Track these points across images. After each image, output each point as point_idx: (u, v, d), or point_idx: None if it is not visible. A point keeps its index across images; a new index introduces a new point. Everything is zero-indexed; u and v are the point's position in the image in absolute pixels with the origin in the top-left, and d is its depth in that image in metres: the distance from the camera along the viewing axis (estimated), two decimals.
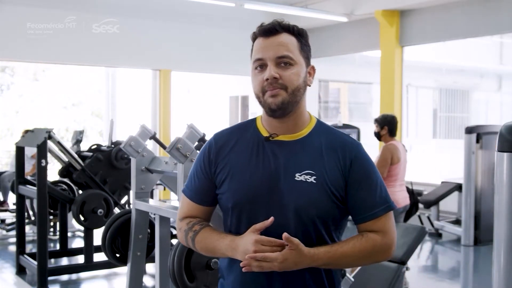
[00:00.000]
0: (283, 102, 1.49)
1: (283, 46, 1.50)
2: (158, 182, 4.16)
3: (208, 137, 3.75)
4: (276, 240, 1.41)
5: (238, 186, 1.52)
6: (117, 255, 4.07)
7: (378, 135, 5.00)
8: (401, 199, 4.83)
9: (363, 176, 1.53)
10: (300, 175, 1.49)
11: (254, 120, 1.61)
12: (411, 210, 5.53)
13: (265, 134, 1.55)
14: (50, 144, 5.04)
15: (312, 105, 11.85)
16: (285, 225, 1.47)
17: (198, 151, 3.18)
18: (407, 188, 5.22)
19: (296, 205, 1.48)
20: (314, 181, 1.49)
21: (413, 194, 5.57)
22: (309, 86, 1.56)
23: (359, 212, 1.53)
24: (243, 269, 1.42)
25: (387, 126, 4.93)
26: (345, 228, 1.62)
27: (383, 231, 1.54)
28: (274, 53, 1.49)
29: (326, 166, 1.51)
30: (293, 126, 1.55)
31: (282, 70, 1.49)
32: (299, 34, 1.54)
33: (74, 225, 6.81)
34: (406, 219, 5.49)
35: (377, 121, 4.98)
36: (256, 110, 12.66)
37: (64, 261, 5.70)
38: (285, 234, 1.39)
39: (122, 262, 4.07)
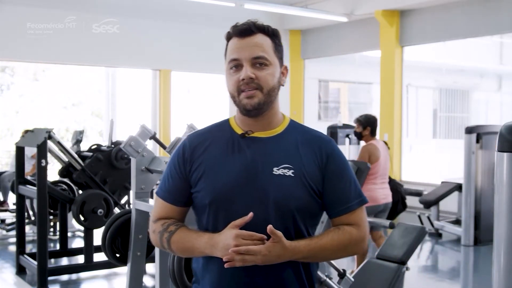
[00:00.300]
0: (259, 103, 1.51)
1: (259, 46, 1.52)
2: (158, 182, 4.16)
3: None
4: (257, 234, 1.42)
5: (215, 182, 1.51)
6: (117, 255, 4.07)
7: (360, 135, 5.20)
8: (381, 196, 4.94)
9: (339, 171, 1.56)
10: (278, 169, 1.51)
11: (227, 120, 1.63)
12: (396, 207, 5.62)
13: (239, 132, 1.57)
14: (50, 144, 5.04)
15: (312, 105, 11.86)
16: (265, 219, 1.48)
17: None
18: (393, 186, 5.32)
19: (275, 198, 1.49)
20: (292, 175, 1.51)
21: (399, 192, 5.65)
22: (283, 86, 1.58)
23: (335, 205, 1.56)
24: (225, 265, 1.41)
25: (370, 126, 5.16)
26: (318, 224, 1.64)
27: (358, 224, 1.57)
28: (249, 53, 1.51)
29: (303, 160, 1.53)
30: (268, 124, 1.57)
31: (257, 70, 1.51)
32: (273, 35, 1.56)
33: (74, 225, 6.81)
34: (392, 216, 5.70)
35: (359, 121, 5.16)
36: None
37: (64, 261, 5.70)
38: (269, 227, 1.40)
39: (122, 262, 4.07)
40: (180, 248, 1.54)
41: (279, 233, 1.42)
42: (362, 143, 5.43)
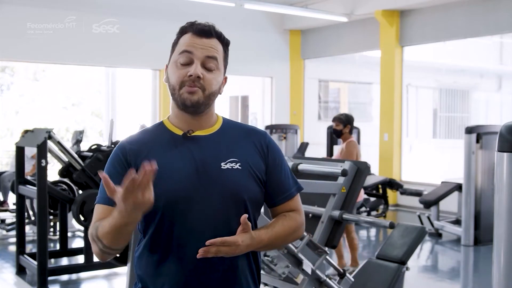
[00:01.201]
0: (198, 101, 1.52)
1: (213, 49, 1.55)
2: None
3: None
4: (226, 238, 1.42)
5: (166, 184, 1.48)
6: (117, 255, 4.07)
7: (339, 133, 5.43)
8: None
9: (278, 161, 1.61)
10: (225, 164, 1.54)
11: (161, 122, 1.63)
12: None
13: (178, 132, 1.57)
14: (50, 144, 5.04)
15: (312, 105, 11.86)
16: (222, 212, 1.50)
17: None
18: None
19: (229, 191, 1.51)
20: (240, 167, 1.54)
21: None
22: (220, 94, 1.61)
23: (278, 193, 1.61)
24: (198, 255, 1.39)
25: (349, 124, 5.42)
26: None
27: (298, 209, 1.63)
28: (204, 52, 1.53)
29: (246, 152, 1.57)
30: (205, 123, 1.59)
31: (205, 71, 1.53)
32: (226, 44, 1.61)
33: (74, 225, 6.81)
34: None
35: (340, 120, 5.41)
36: (256, 110, 12.66)
37: (64, 261, 5.70)
38: (244, 216, 1.43)
39: (122, 262, 4.07)
40: (106, 236, 1.42)
41: (249, 223, 1.45)
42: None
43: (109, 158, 1.62)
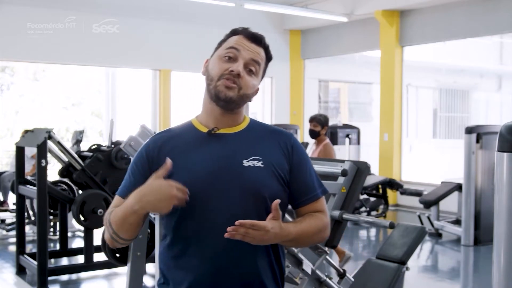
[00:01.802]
0: (231, 98, 1.55)
1: (259, 55, 1.59)
2: None
3: None
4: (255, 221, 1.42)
5: (187, 179, 1.50)
6: (117, 255, 4.07)
7: (316, 134, 5.43)
8: None
9: (303, 161, 1.62)
10: (248, 161, 1.55)
11: (189, 121, 1.66)
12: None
13: (204, 130, 1.60)
14: (50, 144, 5.04)
15: (312, 105, 11.86)
16: (241, 208, 1.51)
17: None
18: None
19: (249, 187, 1.52)
20: (262, 165, 1.55)
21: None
22: (250, 101, 1.63)
23: (303, 194, 1.61)
24: (226, 234, 1.40)
25: (327, 126, 5.46)
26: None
27: (323, 210, 1.64)
28: (251, 55, 1.57)
29: (270, 151, 1.58)
30: (232, 121, 1.61)
31: (246, 74, 1.56)
32: (269, 58, 1.65)
33: (74, 225, 6.81)
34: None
35: (320, 121, 5.42)
36: (256, 110, 12.66)
37: (64, 261, 5.70)
38: (276, 201, 1.44)
39: (122, 262, 4.07)
40: (116, 221, 1.48)
41: (280, 211, 1.45)
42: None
43: (135, 155, 1.65)
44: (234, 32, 1.61)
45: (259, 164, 1.55)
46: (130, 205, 1.45)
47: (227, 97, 1.54)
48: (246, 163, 1.54)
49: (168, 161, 1.44)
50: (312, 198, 1.62)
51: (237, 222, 1.40)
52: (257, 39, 1.60)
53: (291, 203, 1.64)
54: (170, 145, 1.59)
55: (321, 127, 5.38)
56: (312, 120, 5.45)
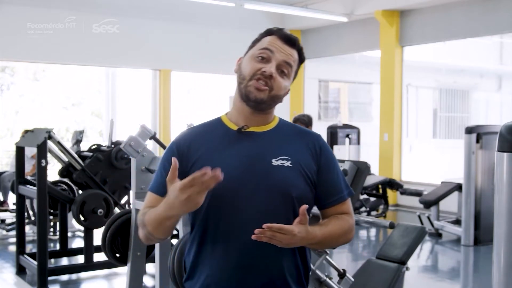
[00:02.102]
0: (262, 100, 1.55)
1: (292, 57, 1.60)
2: None
3: None
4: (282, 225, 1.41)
5: None
6: (117, 255, 4.07)
7: None
8: None
9: (331, 163, 1.63)
10: (276, 161, 1.56)
11: (219, 118, 1.66)
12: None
13: (234, 127, 1.61)
14: (50, 144, 5.04)
15: (312, 105, 11.85)
16: (268, 207, 1.52)
17: None
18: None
19: (277, 186, 1.53)
20: (290, 165, 1.56)
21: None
22: (281, 102, 1.63)
23: (330, 195, 1.62)
24: (253, 236, 1.40)
25: (310, 126, 5.43)
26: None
27: (349, 212, 1.65)
28: (284, 56, 1.57)
29: (298, 151, 1.59)
30: (262, 120, 1.62)
31: (278, 75, 1.57)
32: (302, 61, 1.66)
33: (74, 225, 6.81)
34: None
35: (304, 121, 5.40)
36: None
37: (64, 261, 5.70)
38: (303, 207, 1.44)
39: (122, 262, 4.07)
40: (151, 223, 1.49)
41: (307, 215, 1.46)
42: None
43: (165, 150, 1.65)
44: (268, 32, 1.62)
45: (288, 164, 1.56)
46: (163, 211, 1.44)
47: (257, 99, 1.55)
48: (274, 162, 1.55)
49: (174, 160, 1.41)
50: (338, 199, 1.63)
51: (264, 225, 1.40)
52: (291, 41, 1.60)
53: (317, 204, 1.64)
54: (200, 141, 1.59)
55: (305, 127, 5.37)
56: (296, 121, 5.45)
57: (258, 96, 1.54)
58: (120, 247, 4.05)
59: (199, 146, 1.58)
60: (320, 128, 10.77)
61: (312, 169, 1.59)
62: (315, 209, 1.69)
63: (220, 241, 1.54)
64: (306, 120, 5.43)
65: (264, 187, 1.53)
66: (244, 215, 1.51)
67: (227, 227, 1.53)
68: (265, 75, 1.54)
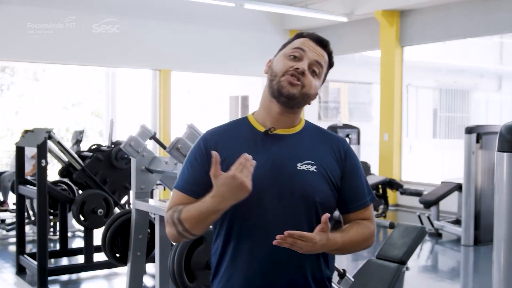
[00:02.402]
0: (294, 95, 1.56)
1: (323, 58, 1.62)
2: (158, 182, 4.16)
3: None
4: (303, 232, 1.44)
5: None
6: (117, 255, 4.07)
7: None
8: None
9: (355, 168, 1.63)
10: (302, 165, 1.56)
11: (245, 118, 1.67)
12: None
13: (261, 129, 1.61)
14: (50, 144, 5.04)
15: (312, 105, 11.81)
16: (292, 211, 1.53)
17: None
18: None
19: (302, 191, 1.54)
20: (315, 170, 1.56)
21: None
22: (309, 104, 1.65)
23: (352, 201, 1.63)
24: (275, 242, 1.42)
25: None
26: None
27: (371, 218, 1.66)
28: (315, 56, 1.59)
29: (323, 156, 1.59)
30: (290, 122, 1.63)
31: (310, 74, 1.58)
32: (331, 64, 1.67)
33: (74, 225, 6.81)
34: None
35: None
36: (256, 110, 12.65)
37: (64, 261, 5.70)
38: (325, 216, 1.45)
39: (122, 262, 4.07)
40: (190, 220, 1.50)
41: (329, 223, 1.47)
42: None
43: (192, 148, 1.65)
44: (300, 35, 1.64)
45: (313, 168, 1.56)
46: (212, 206, 1.46)
47: (290, 94, 1.55)
48: (300, 166, 1.56)
49: (214, 154, 1.44)
50: (361, 205, 1.64)
51: (286, 233, 1.41)
52: (323, 43, 1.63)
53: (339, 208, 1.65)
54: (227, 141, 1.60)
55: None
56: None
57: (290, 91, 1.55)
58: (120, 247, 4.05)
59: (226, 146, 1.58)
60: None
61: (336, 174, 1.60)
62: (336, 212, 1.70)
63: (245, 242, 1.55)
64: None
65: (288, 191, 1.54)
66: (267, 218, 1.53)
67: (251, 229, 1.54)
68: (298, 72, 1.55)
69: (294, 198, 1.53)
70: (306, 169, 1.55)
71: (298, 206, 1.54)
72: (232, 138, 1.61)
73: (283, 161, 1.56)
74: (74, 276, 5.21)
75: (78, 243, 6.47)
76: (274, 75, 1.58)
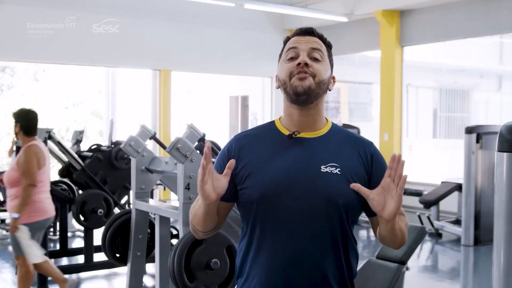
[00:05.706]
0: (310, 87, 1.56)
1: (317, 43, 1.63)
2: (158, 182, 4.16)
3: (208, 137, 3.75)
4: None
5: (263, 179, 1.55)
6: (117, 255, 4.07)
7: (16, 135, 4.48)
8: (51, 207, 4.21)
9: (382, 171, 1.60)
10: (326, 167, 1.56)
11: (272, 122, 1.68)
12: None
13: (286, 133, 1.62)
14: (50, 144, 5.04)
15: None
16: (314, 213, 1.53)
17: (198, 151, 3.18)
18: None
19: (324, 193, 1.54)
20: (339, 173, 1.56)
21: None
22: (329, 90, 1.64)
23: None
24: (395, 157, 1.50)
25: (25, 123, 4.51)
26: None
27: (403, 214, 1.69)
28: (308, 44, 1.60)
29: (348, 159, 1.59)
30: (313, 123, 1.62)
31: (313, 62, 1.58)
32: (329, 46, 1.68)
33: (74, 225, 6.81)
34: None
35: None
36: (256, 110, 12.66)
37: (64, 261, 5.70)
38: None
39: (122, 262, 4.07)
40: (193, 218, 1.63)
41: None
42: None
43: (220, 151, 1.70)
44: (287, 39, 1.66)
45: (336, 171, 1.56)
46: (201, 205, 1.57)
47: (305, 88, 1.55)
48: (323, 169, 1.56)
49: (232, 162, 1.49)
50: None
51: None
52: (308, 31, 1.64)
53: (366, 211, 1.64)
54: (252, 145, 1.62)
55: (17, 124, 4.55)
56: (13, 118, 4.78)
57: (304, 85, 1.55)
58: (120, 247, 4.05)
59: (250, 150, 1.61)
60: None
61: (362, 177, 1.59)
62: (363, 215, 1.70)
63: (267, 242, 1.56)
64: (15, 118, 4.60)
65: (311, 193, 1.54)
66: (288, 220, 1.53)
67: (272, 229, 1.55)
68: (301, 66, 1.56)
69: (317, 200, 1.53)
70: (329, 171, 1.55)
71: (321, 208, 1.53)
72: (257, 142, 1.63)
73: (307, 163, 1.56)
74: (74, 276, 5.21)
75: (78, 243, 6.47)
76: (283, 82, 1.59)
